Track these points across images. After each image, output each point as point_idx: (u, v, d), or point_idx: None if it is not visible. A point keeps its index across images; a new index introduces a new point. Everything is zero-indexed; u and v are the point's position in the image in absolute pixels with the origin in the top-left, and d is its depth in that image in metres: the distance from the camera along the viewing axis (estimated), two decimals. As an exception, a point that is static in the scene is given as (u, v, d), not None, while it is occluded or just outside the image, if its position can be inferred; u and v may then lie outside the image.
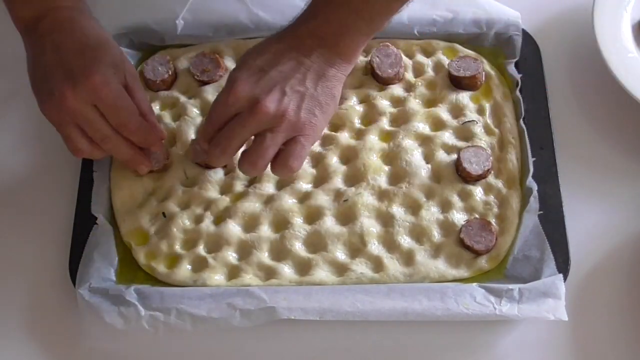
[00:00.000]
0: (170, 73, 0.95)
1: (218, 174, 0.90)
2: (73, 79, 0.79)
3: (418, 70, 0.96)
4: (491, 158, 0.89)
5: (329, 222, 0.86)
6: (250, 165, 0.83)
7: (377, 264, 0.85)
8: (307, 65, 0.83)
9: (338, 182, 0.89)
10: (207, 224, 0.87)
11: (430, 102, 0.94)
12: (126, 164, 0.88)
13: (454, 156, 0.89)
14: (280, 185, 0.90)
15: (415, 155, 0.90)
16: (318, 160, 0.90)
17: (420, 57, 0.97)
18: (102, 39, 0.84)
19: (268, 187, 0.89)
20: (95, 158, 0.87)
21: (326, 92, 0.84)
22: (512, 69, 0.95)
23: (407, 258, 0.85)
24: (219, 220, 0.87)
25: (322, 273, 0.84)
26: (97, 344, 0.83)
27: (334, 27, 0.83)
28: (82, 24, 0.84)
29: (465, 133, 0.92)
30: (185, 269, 0.85)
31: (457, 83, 0.94)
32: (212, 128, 0.83)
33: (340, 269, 0.85)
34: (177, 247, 0.86)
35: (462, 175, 0.89)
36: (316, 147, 0.91)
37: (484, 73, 0.94)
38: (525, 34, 0.97)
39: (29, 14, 0.83)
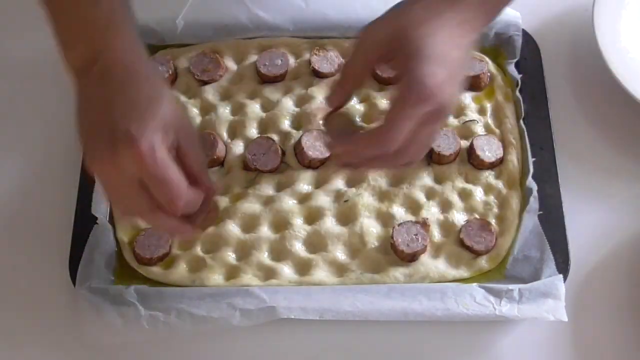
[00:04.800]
0: (170, 73, 0.95)
1: (216, 175, 0.90)
2: (115, 146, 0.68)
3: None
4: (502, 147, 0.89)
5: (329, 223, 0.86)
6: None
7: (377, 264, 0.85)
8: None
9: (339, 182, 0.89)
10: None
11: (431, 102, 0.94)
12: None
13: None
14: (280, 187, 0.90)
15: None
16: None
17: (421, 57, 0.97)
18: (154, 94, 0.72)
19: (268, 188, 0.89)
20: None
21: None
22: (512, 69, 0.95)
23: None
24: (218, 220, 0.87)
25: (322, 273, 0.84)
26: (97, 344, 0.83)
27: None
28: (135, 72, 0.72)
29: (465, 132, 0.92)
30: (181, 269, 0.85)
31: (461, 82, 0.94)
32: None
33: (340, 269, 0.85)
34: (174, 248, 0.86)
35: (474, 164, 0.89)
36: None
37: (488, 74, 0.94)
38: (525, 34, 0.97)
39: (79, 57, 0.73)
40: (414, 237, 0.84)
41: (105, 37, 0.72)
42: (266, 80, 0.96)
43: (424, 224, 0.85)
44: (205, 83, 0.96)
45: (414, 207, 0.88)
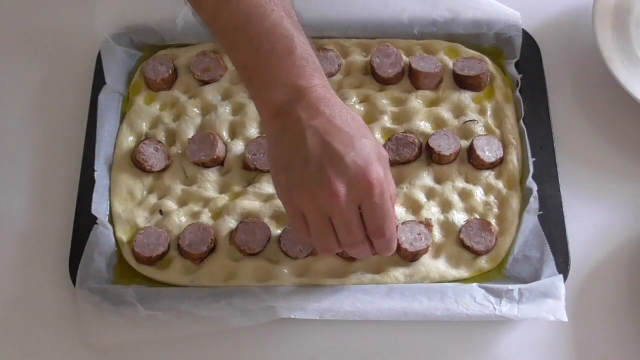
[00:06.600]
0: (170, 72, 0.95)
1: (216, 175, 0.90)
2: (348, 176, 0.71)
3: (419, 70, 0.97)
4: (502, 147, 0.89)
5: (330, 222, 0.86)
6: None
7: (377, 264, 0.85)
8: None
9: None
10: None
11: (432, 102, 0.94)
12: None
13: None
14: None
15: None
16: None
17: (421, 57, 0.97)
18: (359, 122, 0.76)
19: (268, 187, 0.89)
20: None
21: None
22: (512, 69, 0.95)
23: (407, 258, 0.85)
24: (217, 216, 0.87)
25: (322, 274, 0.84)
26: (97, 344, 0.83)
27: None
28: (338, 104, 0.75)
29: (465, 132, 0.92)
30: (179, 269, 0.85)
31: (461, 82, 0.94)
32: None
33: (341, 269, 0.85)
34: (172, 247, 0.86)
35: (474, 164, 0.89)
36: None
37: (488, 74, 0.94)
38: (525, 34, 0.97)
39: (282, 98, 0.75)
40: (417, 236, 0.84)
41: (306, 76, 0.75)
42: (266, 80, 0.96)
43: (427, 224, 0.85)
44: (205, 83, 0.96)
45: (414, 207, 0.88)
